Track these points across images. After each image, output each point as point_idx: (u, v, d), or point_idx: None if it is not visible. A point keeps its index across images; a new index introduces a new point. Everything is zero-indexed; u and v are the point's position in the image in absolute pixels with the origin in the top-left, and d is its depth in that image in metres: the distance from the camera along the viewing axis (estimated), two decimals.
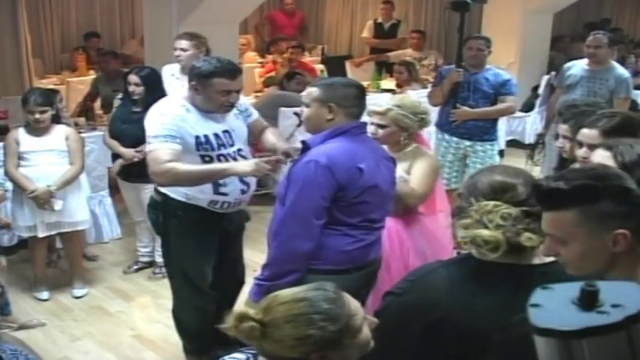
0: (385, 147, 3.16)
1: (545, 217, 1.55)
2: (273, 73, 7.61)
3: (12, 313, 3.90)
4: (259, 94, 6.65)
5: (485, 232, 1.64)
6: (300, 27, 9.76)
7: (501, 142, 6.70)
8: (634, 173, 1.98)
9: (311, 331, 1.52)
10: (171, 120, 3.07)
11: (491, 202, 1.68)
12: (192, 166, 3.04)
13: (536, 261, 1.70)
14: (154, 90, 4.34)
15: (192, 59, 4.56)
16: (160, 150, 3.01)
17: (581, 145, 2.69)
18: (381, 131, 3.19)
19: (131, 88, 4.44)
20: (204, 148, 3.12)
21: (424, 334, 1.69)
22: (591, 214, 1.48)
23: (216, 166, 3.08)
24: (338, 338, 1.54)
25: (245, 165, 3.01)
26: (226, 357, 1.68)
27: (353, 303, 1.60)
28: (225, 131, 3.19)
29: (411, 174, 3.18)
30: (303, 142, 2.76)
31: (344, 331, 1.54)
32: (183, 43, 4.65)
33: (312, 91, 2.73)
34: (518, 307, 1.63)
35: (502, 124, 6.55)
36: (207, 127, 3.14)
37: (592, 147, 2.48)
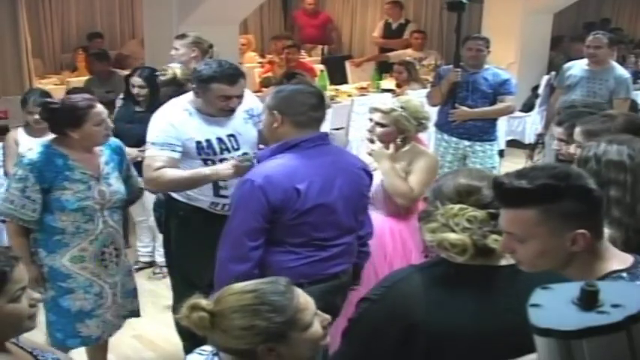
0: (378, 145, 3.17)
1: (504, 214, 1.55)
2: (270, 74, 7.61)
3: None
4: (258, 94, 6.65)
5: (452, 236, 1.64)
6: (324, 29, 9.49)
7: (501, 142, 6.69)
8: (586, 168, 2.04)
9: (256, 321, 1.55)
10: (171, 127, 3.08)
11: (457, 206, 1.68)
12: (180, 172, 3.07)
13: (504, 262, 1.71)
14: (158, 90, 4.35)
15: (184, 59, 4.60)
16: (154, 157, 3.07)
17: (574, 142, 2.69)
18: (379, 129, 3.20)
19: (135, 91, 4.44)
20: (205, 152, 3.12)
21: (401, 341, 1.70)
22: (553, 213, 1.49)
23: (200, 171, 3.07)
24: (284, 330, 1.56)
25: (226, 168, 3.01)
26: (187, 357, 1.71)
27: (303, 297, 1.63)
28: (231, 135, 3.18)
29: (409, 173, 3.18)
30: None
31: (290, 324, 1.57)
32: (176, 43, 4.65)
33: (266, 98, 2.66)
34: (490, 307, 1.66)
35: (502, 124, 6.54)
36: (210, 132, 3.13)
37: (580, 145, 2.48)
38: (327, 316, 1.68)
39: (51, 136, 4.30)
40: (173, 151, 3.07)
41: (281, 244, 2.55)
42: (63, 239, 2.99)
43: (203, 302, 1.59)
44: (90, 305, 3.09)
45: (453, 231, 1.65)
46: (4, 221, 3.13)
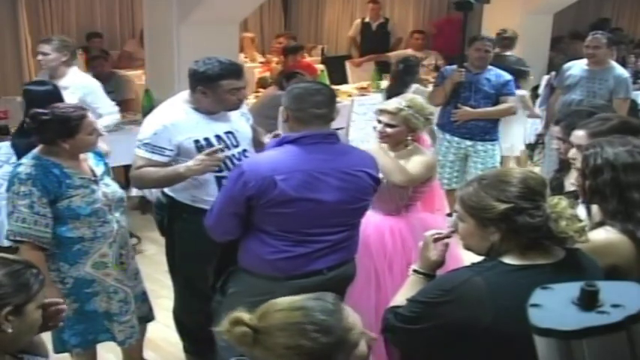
0: (385, 145, 3.17)
1: None
2: (267, 74, 7.60)
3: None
4: (258, 94, 6.65)
5: (577, 225, 1.76)
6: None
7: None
8: (596, 178, 2.08)
9: (302, 341, 1.49)
10: (164, 129, 3.08)
11: (555, 197, 1.80)
12: (156, 171, 3.07)
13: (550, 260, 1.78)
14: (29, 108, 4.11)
15: (54, 64, 4.50)
16: (139, 157, 3.11)
17: (572, 145, 2.69)
18: (389, 130, 3.20)
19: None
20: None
21: (468, 345, 1.71)
22: None
23: (175, 169, 3.07)
24: (329, 351, 1.51)
25: (194, 164, 2.99)
26: None
27: (352, 317, 1.57)
28: (229, 132, 3.19)
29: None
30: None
31: (336, 345, 1.51)
32: (44, 47, 4.55)
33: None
34: None
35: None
36: (209, 130, 3.13)
37: (580, 148, 2.48)
38: (374, 335, 1.63)
39: None
40: (161, 155, 3.08)
41: (256, 230, 2.62)
42: (82, 247, 2.93)
43: (246, 317, 1.53)
44: (115, 310, 3.07)
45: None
46: (15, 247, 2.90)
